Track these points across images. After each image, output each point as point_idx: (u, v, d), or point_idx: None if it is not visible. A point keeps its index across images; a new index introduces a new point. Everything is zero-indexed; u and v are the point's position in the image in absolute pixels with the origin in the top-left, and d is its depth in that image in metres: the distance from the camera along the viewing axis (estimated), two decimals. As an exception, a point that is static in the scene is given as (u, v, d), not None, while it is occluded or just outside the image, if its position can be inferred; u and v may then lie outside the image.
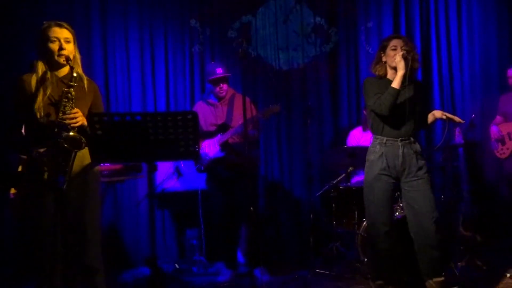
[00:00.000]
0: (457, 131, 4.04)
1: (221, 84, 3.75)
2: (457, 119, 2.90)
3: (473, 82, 4.74)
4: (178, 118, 2.10)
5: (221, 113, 3.78)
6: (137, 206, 4.34)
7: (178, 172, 4.20)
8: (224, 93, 3.78)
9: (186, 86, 4.58)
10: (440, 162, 4.54)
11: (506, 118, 4.16)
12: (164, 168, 4.20)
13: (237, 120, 3.68)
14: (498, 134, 4.12)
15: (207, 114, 3.81)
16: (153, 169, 2.23)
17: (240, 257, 3.93)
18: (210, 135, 3.78)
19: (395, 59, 2.79)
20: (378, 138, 2.87)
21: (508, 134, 4.06)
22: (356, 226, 3.69)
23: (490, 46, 4.70)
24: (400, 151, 2.82)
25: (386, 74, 2.89)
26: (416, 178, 2.82)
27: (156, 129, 2.09)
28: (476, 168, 4.57)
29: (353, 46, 4.74)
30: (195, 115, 2.13)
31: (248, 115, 3.70)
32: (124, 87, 4.47)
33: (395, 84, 2.76)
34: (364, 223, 3.64)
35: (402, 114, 2.83)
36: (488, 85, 4.68)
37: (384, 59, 2.89)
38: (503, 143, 4.09)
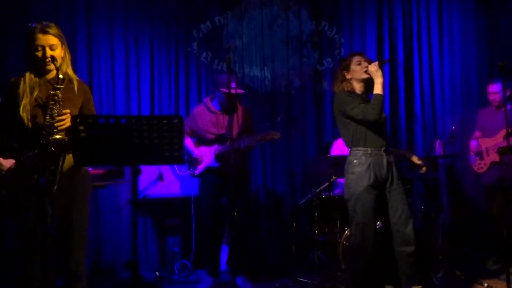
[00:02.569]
0: (438, 143, 4.10)
1: (231, 100, 3.62)
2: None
3: (453, 94, 4.84)
4: (164, 122, 2.08)
5: (222, 123, 3.71)
6: (119, 212, 4.27)
7: (161, 178, 4.16)
8: (229, 108, 3.67)
9: (171, 91, 4.56)
10: (420, 173, 4.60)
11: (485, 133, 4.22)
12: (147, 174, 4.15)
13: (237, 131, 3.64)
14: (477, 148, 4.18)
15: (206, 121, 3.75)
16: (137, 173, 2.20)
17: (223, 264, 3.90)
18: (207, 142, 3.74)
19: (365, 71, 2.91)
20: (361, 150, 2.87)
21: (487, 149, 4.12)
22: (338, 235, 3.69)
23: (470, 59, 4.82)
24: (385, 160, 2.87)
25: (354, 90, 2.95)
26: (397, 187, 2.89)
27: (141, 132, 2.05)
28: (455, 180, 4.64)
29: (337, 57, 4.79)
30: (180, 120, 2.11)
31: (249, 130, 3.74)
32: (109, 90, 4.42)
33: (379, 90, 2.85)
34: (346, 231, 3.65)
35: (381, 123, 2.90)
36: (468, 98, 4.79)
37: (348, 76, 2.97)
38: (481, 158, 4.15)
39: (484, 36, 4.82)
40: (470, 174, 4.43)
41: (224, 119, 3.72)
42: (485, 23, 4.82)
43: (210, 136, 3.73)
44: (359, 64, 2.94)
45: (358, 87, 2.97)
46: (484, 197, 4.26)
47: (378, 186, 2.87)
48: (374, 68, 2.86)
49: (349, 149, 2.96)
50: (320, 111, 4.77)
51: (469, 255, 4.18)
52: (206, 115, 3.76)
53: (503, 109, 3.93)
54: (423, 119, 4.85)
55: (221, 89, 3.66)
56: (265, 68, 4.73)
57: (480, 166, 4.16)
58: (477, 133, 4.28)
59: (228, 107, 3.68)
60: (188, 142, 3.81)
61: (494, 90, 4.10)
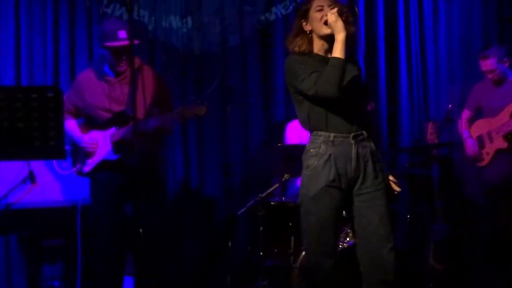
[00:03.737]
0: (429, 127, 4.22)
1: (123, 57, 3.62)
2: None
3: (451, 61, 5.04)
4: (33, 96, 2.08)
5: (120, 94, 3.68)
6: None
7: (31, 179, 4.04)
8: (124, 68, 3.68)
9: (47, 50, 4.50)
10: (406, 168, 4.73)
11: (484, 113, 4.38)
12: (10, 173, 4.05)
13: (143, 107, 3.56)
14: (474, 150, 4.32)
15: (96, 92, 3.70)
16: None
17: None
18: (100, 125, 3.70)
19: (324, 22, 2.85)
20: (321, 135, 2.90)
21: (489, 133, 4.28)
22: (293, 258, 3.75)
23: (473, 17, 5.02)
24: (354, 151, 2.89)
25: (311, 50, 2.95)
26: (371, 190, 2.89)
27: (-3, 111, 2.09)
28: (453, 178, 4.80)
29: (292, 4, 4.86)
30: (58, 93, 2.12)
31: (163, 106, 3.78)
32: None
33: (338, 53, 2.81)
34: (303, 253, 3.69)
35: (351, 99, 2.90)
36: (470, 67, 4.95)
37: (307, 28, 2.95)
38: (482, 146, 4.32)
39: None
40: (471, 168, 4.58)
41: (122, 90, 3.69)
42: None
43: (104, 115, 3.69)
44: (321, 10, 2.89)
45: (318, 46, 2.94)
46: (487, 197, 4.43)
47: (343, 187, 2.89)
48: (332, 17, 2.81)
49: (309, 133, 2.99)
50: (269, 79, 4.81)
51: (472, 279, 4.33)
52: (96, 84, 3.73)
53: (504, 83, 4.20)
54: (411, 95, 4.97)
55: (105, 44, 3.62)
56: (189, 18, 4.73)
57: (482, 157, 4.32)
58: (467, 113, 4.43)
59: (121, 70, 3.67)
60: (72, 125, 3.77)
61: (488, 67, 4.27)
